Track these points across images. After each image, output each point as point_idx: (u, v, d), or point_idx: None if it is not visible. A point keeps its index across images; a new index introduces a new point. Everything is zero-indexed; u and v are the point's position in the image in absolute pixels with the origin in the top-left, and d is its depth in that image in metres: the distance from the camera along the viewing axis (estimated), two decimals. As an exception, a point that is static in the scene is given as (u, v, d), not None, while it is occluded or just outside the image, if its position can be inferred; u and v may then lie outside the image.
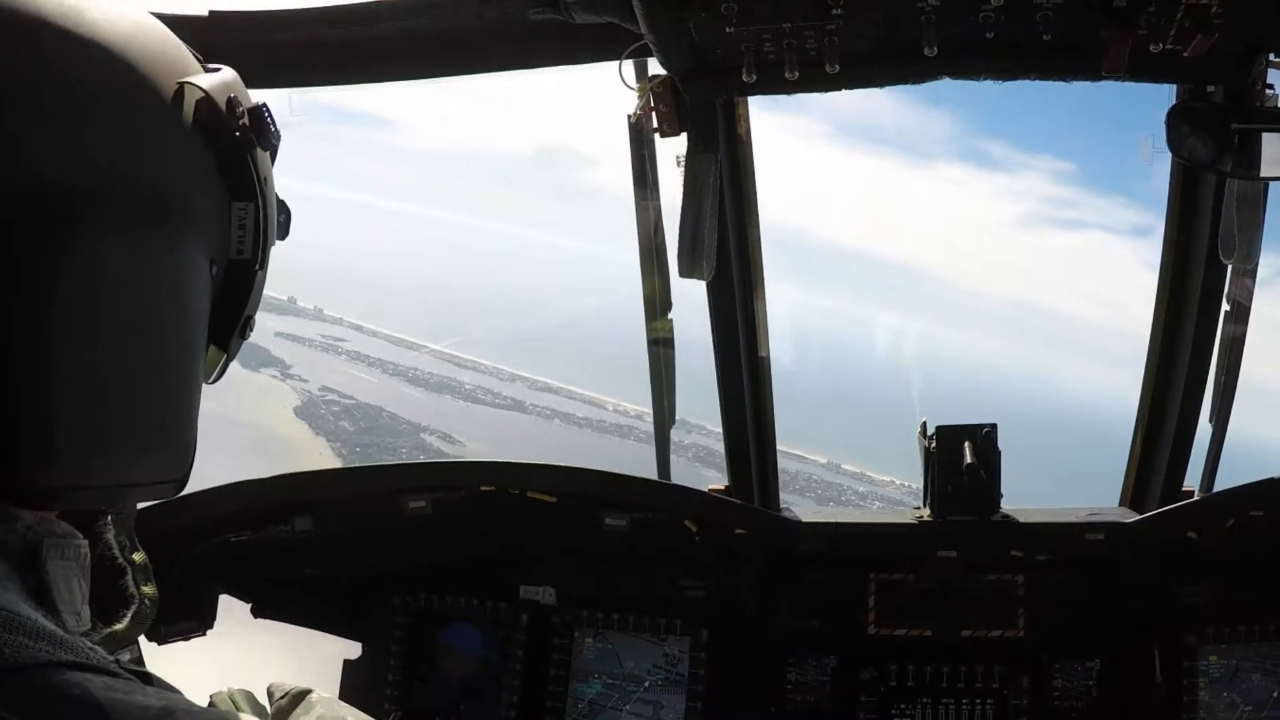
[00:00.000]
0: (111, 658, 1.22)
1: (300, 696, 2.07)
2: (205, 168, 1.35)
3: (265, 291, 1.50)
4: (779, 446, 3.95)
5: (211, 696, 2.02)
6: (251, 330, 1.51)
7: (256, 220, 1.42)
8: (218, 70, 1.42)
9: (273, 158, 1.49)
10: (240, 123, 1.39)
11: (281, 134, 1.60)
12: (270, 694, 2.09)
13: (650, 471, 3.95)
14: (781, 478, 4.00)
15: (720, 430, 3.87)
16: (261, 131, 1.43)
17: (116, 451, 1.28)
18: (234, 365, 1.51)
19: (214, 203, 1.37)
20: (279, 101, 3.24)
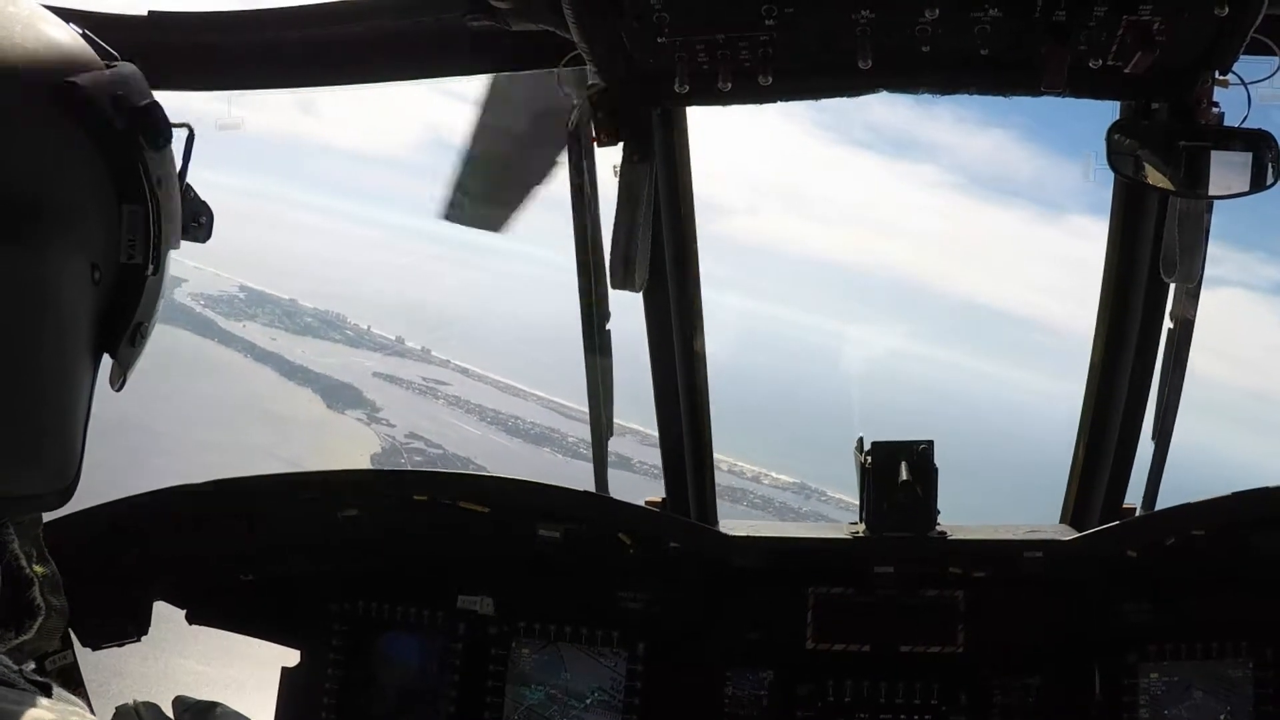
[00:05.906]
0: (16, 668, 1.18)
1: (206, 710, 2.04)
2: (89, 169, 1.29)
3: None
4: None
5: (117, 709, 1.99)
6: (145, 337, 1.43)
7: (148, 223, 1.35)
8: (113, 67, 1.34)
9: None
10: (126, 121, 1.31)
11: (196, 134, 1.53)
12: (175, 707, 2.06)
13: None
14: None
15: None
16: (150, 130, 1.34)
17: None
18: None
19: (100, 205, 1.31)
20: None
